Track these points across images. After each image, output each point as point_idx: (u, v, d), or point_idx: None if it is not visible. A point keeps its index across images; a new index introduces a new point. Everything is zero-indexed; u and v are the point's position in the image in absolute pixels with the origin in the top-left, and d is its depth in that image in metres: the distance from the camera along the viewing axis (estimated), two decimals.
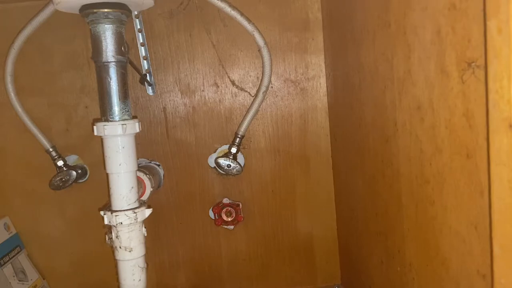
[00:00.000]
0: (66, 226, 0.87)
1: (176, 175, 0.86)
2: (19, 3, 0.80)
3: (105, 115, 0.66)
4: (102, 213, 0.66)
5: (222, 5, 0.78)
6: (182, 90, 0.84)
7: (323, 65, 0.84)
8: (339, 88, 0.78)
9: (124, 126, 0.65)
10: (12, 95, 0.80)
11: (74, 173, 0.83)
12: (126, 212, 0.65)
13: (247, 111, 0.83)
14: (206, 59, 0.84)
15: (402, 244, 0.54)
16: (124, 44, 0.66)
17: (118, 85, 0.65)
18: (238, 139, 0.83)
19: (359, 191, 0.71)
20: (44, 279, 0.88)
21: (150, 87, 0.83)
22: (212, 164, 0.85)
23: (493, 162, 0.31)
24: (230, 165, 0.83)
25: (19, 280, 0.82)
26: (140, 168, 0.75)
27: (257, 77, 0.84)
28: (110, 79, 0.65)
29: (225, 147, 0.85)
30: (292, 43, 0.84)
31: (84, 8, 0.63)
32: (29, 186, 0.86)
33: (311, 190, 0.86)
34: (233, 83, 0.84)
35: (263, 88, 0.82)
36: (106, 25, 0.63)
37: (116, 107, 0.65)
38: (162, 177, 0.85)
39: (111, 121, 0.65)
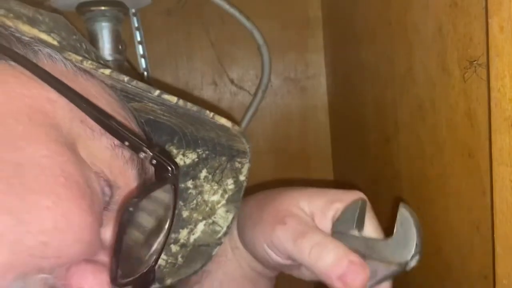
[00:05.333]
0: None
1: None
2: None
3: None
4: None
5: (221, 2, 0.78)
6: (181, 89, 0.84)
7: (323, 63, 0.84)
8: (339, 87, 0.78)
9: None
10: None
11: None
12: None
13: (246, 110, 0.82)
14: (204, 58, 0.83)
15: None
16: (121, 43, 0.65)
17: None
18: None
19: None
20: None
21: None
22: None
23: (495, 161, 0.31)
24: None
25: None
26: None
27: (256, 76, 0.83)
28: None
29: None
30: (292, 41, 0.83)
31: (81, 6, 0.62)
32: None
33: None
34: (232, 81, 0.84)
35: (262, 87, 0.81)
36: (103, 23, 0.63)
37: None
38: None
39: None
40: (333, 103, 0.82)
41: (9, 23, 0.29)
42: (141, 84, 0.29)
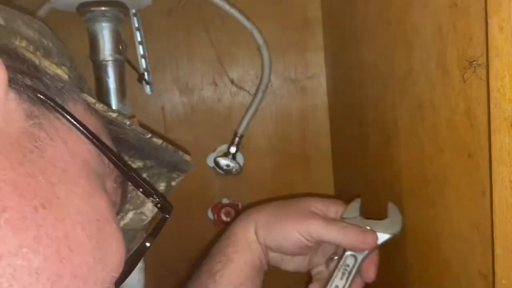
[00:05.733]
0: None
1: None
2: (15, 2, 0.80)
3: None
4: None
5: (221, 3, 0.78)
6: (181, 89, 0.84)
7: (323, 63, 0.84)
8: (339, 87, 0.78)
9: None
10: None
11: None
12: None
13: (246, 110, 0.83)
14: (204, 58, 0.83)
15: (403, 244, 0.53)
16: (121, 43, 0.66)
17: (115, 84, 0.65)
18: (237, 138, 0.83)
19: (359, 191, 0.71)
20: None
21: (148, 86, 0.82)
22: (211, 164, 0.85)
23: (495, 161, 0.31)
24: (229, 165, 0.82)
25: None
26: None
27: (256, 76, 0.83)
28: (108, 78, 0.64)
29: (224, 147, 0.84)
30: (292, 41, 0.83)
31: (82, 6, 0.62)
32: None
33: (311, 190, 0.86)
34: (232, 81, 0.84)
35: (262, 87, 0.82)
36: (103, 24, 0.63)
37: (114, 107, 0.65)
38: None
39: None
40: (333, 103, 0.82)
41: (35, 60, 0.29)
42: (139, 128, 0.35)
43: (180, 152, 0.38)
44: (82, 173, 0.28)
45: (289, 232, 0.51)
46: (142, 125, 0.74)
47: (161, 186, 0.44)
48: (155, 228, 0.33)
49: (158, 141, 0.36)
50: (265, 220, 0.53)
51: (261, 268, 0.53)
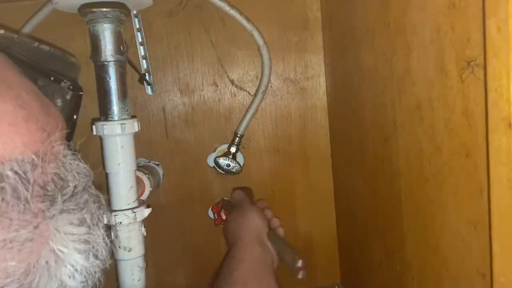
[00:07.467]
0: None
1: (175, 175, 0.86)
2: (17, 3, 0.80)
3: (104, 114, 0.66)
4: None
5: (221, 4, 0.78)
6: (181, 89, 0.84)
7: (322, 64, 0.84)
8: (338, 88, 0.78)
9: (123, 125, 0.65)
10: None
11: None
12: (125, 212, 0.65)
13: (246, 111, 0.83)
14: (205, 59, 0.83)
15: (401, 243, 0.54)
16: (123, 44, 0.66)
17: (117, 84, 0.65)
18: (237, 138, 0.83)
19: (358, 191, 0.71)
20: None
21: (149, 86, 0.83)
22: (212, 164, 0.85)
23: (493, 161, 0.31)
24: (230, 165, 0.83)
25: None
26: (139, 167, 0.75)
27: (257, 76, 0.84)
28: (109, 78, 0.65)
29: (224, 147, 0.85)
30: (292, 42, 0.84)
31: (83, 7, 0.63)
32: None
33: (311, 189, 0.86)
34: (232, 82, 0.84)
35: (262, 88, 0.82)
36: (105, 25, 0.63)
37: (115, 107, 0.65)
38: (161, 177, 0.85)
39: (110, 120, 0.65)
40: (332, 104, 0.83)
41: None
42: (26, 39, 0.40)
43: (67, 55, 0.45)
44: (7, 66, 0.35)
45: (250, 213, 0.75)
46: (141, 124, 0.74)
47: (59, 103, 0.48)
48: (75, 105, 0.41)
49: (46, 48, 0.42)
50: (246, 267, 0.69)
51: (268, 264, 0.69)
